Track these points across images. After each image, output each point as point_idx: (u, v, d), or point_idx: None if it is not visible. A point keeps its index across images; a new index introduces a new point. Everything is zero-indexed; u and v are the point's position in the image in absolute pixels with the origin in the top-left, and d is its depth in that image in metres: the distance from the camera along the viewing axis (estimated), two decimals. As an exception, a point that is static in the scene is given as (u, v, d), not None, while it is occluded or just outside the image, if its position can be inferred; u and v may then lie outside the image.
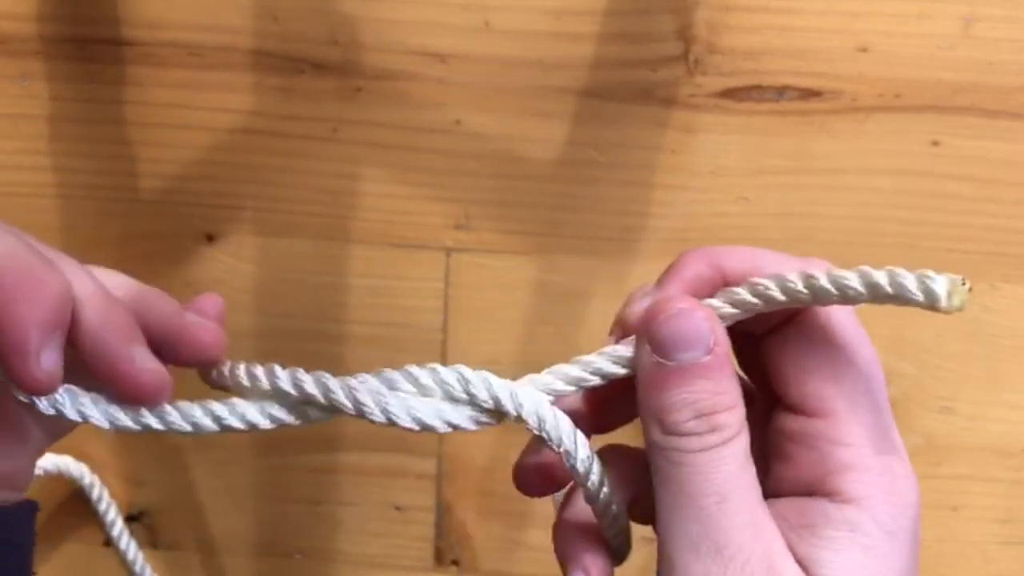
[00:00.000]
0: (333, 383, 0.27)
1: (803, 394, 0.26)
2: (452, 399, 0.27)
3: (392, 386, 0.27)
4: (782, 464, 0.26)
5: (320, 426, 0.47)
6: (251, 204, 0.46)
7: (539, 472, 0.29)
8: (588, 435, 0.27)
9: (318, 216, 0.46)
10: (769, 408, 0.27)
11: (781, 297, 0.25)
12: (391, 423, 0.27)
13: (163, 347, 0.28)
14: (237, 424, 0.27)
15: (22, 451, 0.29)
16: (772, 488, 0.26)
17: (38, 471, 0.45)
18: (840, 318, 0.27)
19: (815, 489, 0.25)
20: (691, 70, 0.44)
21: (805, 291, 0.25)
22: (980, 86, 0.43)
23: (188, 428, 0.27)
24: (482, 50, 0.44)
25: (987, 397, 0.46)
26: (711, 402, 0.25)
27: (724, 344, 0.25)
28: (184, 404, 0.27)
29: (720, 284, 0.27)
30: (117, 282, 0.28)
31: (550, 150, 0.45)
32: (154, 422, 0.27)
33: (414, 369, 0.28)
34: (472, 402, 0.27)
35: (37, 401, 0.25)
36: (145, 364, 0.26)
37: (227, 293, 0.46)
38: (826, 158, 0.44)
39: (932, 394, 0.46)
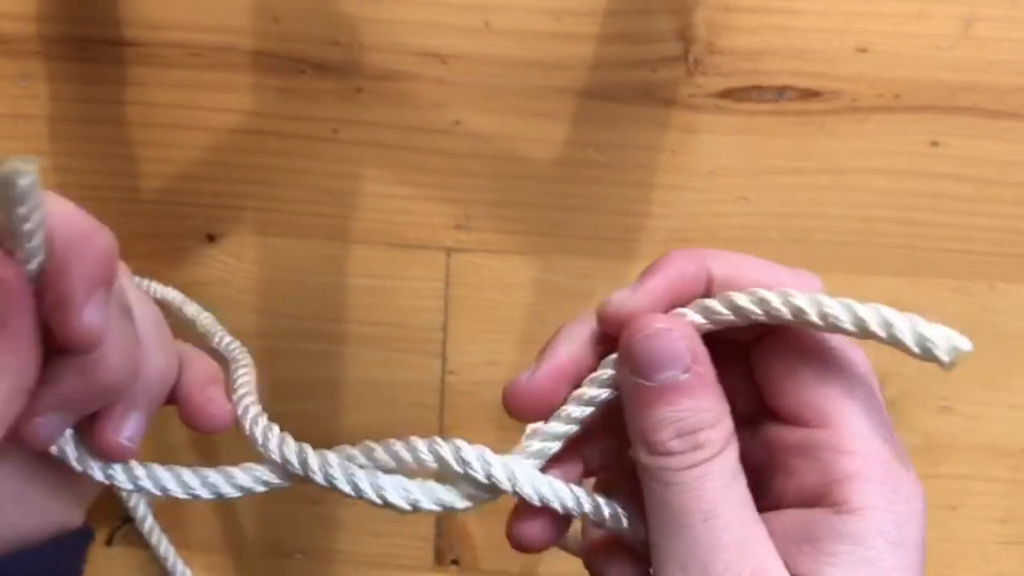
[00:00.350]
0: (333, 461, 0.28)
1: (799, 405, 0.26)
2: (447, 473, 0.27)
3: (390, 459, 0.28)
4: (782, 476, 0.26)
5: (318, 426, 0.47)
6: (252, 204, 0.46)
7: (537, 531, 0.28)
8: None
9: (319, 216, 0.46)
10: (758, 418, 0.27)
11: (758, 312, 0.25)
12: (386, 505, 0.27)
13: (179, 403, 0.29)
14: (232, 492, 0.28)
15: (73, 495, 0.30)
16: (773, 501, 0.26)
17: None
18: None
19: (818, 500, 0.25)
20: (691, 70, 0.44)
21: (784, 311, 0.25)
22: (980, 86, 0.43)
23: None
24: (482, 50, 0.44)
25: (987, 397, 0.46)
26: (693, 420, 0.25)
27: (704, 360, 0.25)
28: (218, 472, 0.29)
29: (703, 285, 0.27)
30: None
31: (550, 150, 0.45)
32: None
33: (415, 442, 0.28)
34: (467, 478, 0.27)
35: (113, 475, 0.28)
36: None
37: (228, 293, 0.46)
38: (826, 158, 0.44)
39: (931, 394, 0.46)
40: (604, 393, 0.27)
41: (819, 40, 0.43)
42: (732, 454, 0.25)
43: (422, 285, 0.46)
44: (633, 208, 0.45)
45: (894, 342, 0.24)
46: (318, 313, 0.46)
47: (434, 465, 0.27)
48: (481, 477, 0.27)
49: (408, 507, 0.27)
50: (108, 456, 0.27)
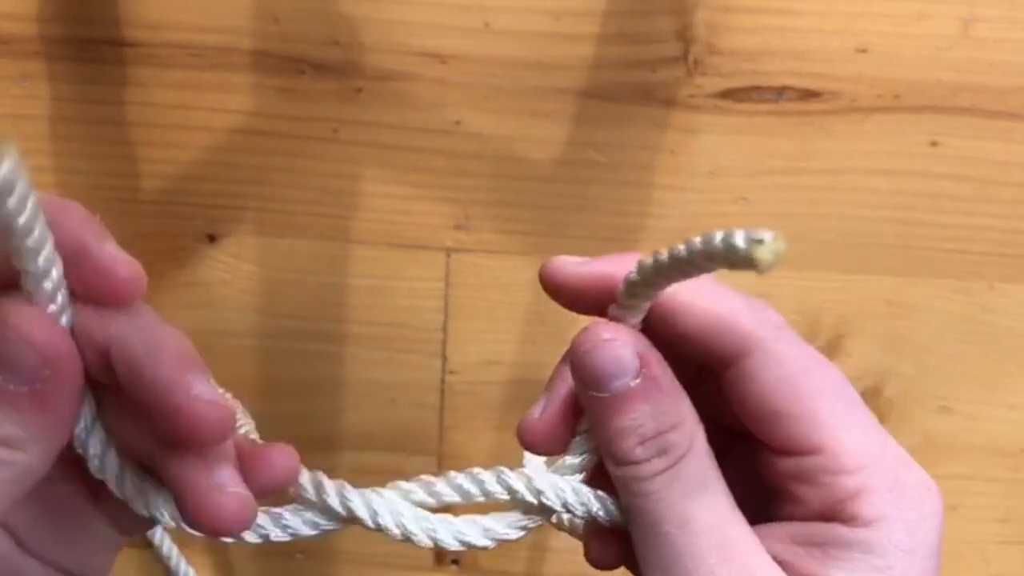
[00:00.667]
0: (380, 507, 0.26)
1: (784, 438, 0.25)
2: (488, 499, 0.27)
3: (429, 495, 0.27)
4: (787, 503, 0.25)
5: (318, 426, 0.47)
6: (252, 204, 0.46)
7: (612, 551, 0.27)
8: None
9: (319, 216, 0.46)
10: (753, 442, 0.26)
11: (637, 278, 0.24)
12: (437, 546, 0.26)
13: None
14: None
15: (89, 545, 0.27)
16: (783, 520, 0.26)
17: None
18: (783, 348, 0.25)
19: (830, 518, 0.25)
20: (691, 71, 0.44)
21: (650, 265, 0.24)
22: (979, 87, 0.43)
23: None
24: (482, 50, 0.44)
25: (986, 397, 0.46)
26: (653, 425, 0.24)
27: (655, 362, 0.25)
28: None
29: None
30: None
31: (550, 150, 0.45)
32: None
33: (455, 476, 0.27)
34: (517, 504, 0.26)
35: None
36: (204, 394, 0.22)
37: (228, 293, 0.46)
38: (825, 158, 0.44)
39: (931, 394, 0.46)
40: None
41: (819, 40, 0.43)
42: (700, 453, 0.25)
43: (422, 285, 0.46)
44: (633, 208, 0.45)
45: (712, 253, 0.22)
46: (318, 313, 0.47)
47: (505, 497, 0.26)
48: (529, 496, 0.26)
49: (460, 547, 0.26)
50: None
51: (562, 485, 0.26)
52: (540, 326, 0.46)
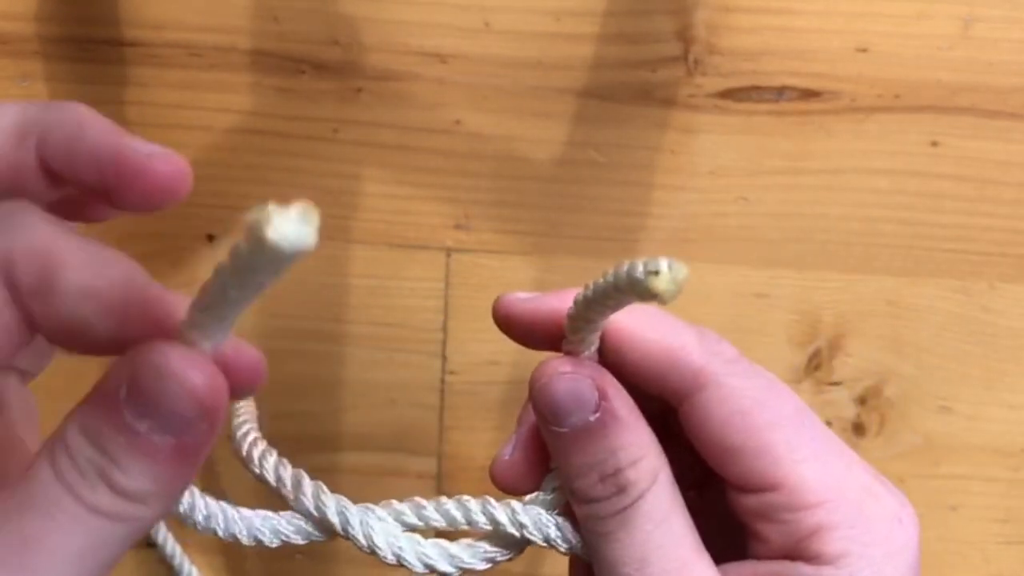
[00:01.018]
0: (354, 517, 0.25)
1: (742, 474, 0.24)
2: (470, 526, 0.26)
3: (414, 515, 0.26)
4: (753, 541, 0.25)
5: (318, 426, 0.47)
6: (251, 204, 0.46)
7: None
8: None
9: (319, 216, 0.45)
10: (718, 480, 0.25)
11: (574, 312, 0.24)
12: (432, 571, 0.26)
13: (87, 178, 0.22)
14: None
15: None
16: (749, 558, 0.25)
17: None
18: (735, 382, 0.25)
19: (794, 556, 0.24)
20: (691, 71, 0.44)
21: (581, 299, 0.23)
22: (979, 86, 0.43)
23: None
24: (482, 50, 0.44)
25: (986, 397, 0.46)
26: (612, 461, 0.24)
27: (616, 395, 0.24)
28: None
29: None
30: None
31: (550, 150, 0.45)
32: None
33: (444, 502, 0.26)
34: (496, 533, 0.26)
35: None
36: (151, 148, 0.21)
37: (227, 293, 0.46)
38: (825, 158, 0.44)
39: (931, 394, 0.46)
40: None
41: (819, 40, 0.43)
42: (663, 489, 0.24)
43: (422, 285, 0.46)
44: (633, 208, 0.45)
45: (621, 285, 0.22)
46: (318, 313, 0.46)
47: (487, 527, 0.26)
48: (511, 527, 0.26)
49: (455, 570, 0.26)
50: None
51: (545, 519, 0.26)
52: (540, 326, 0.46)
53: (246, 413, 0.28)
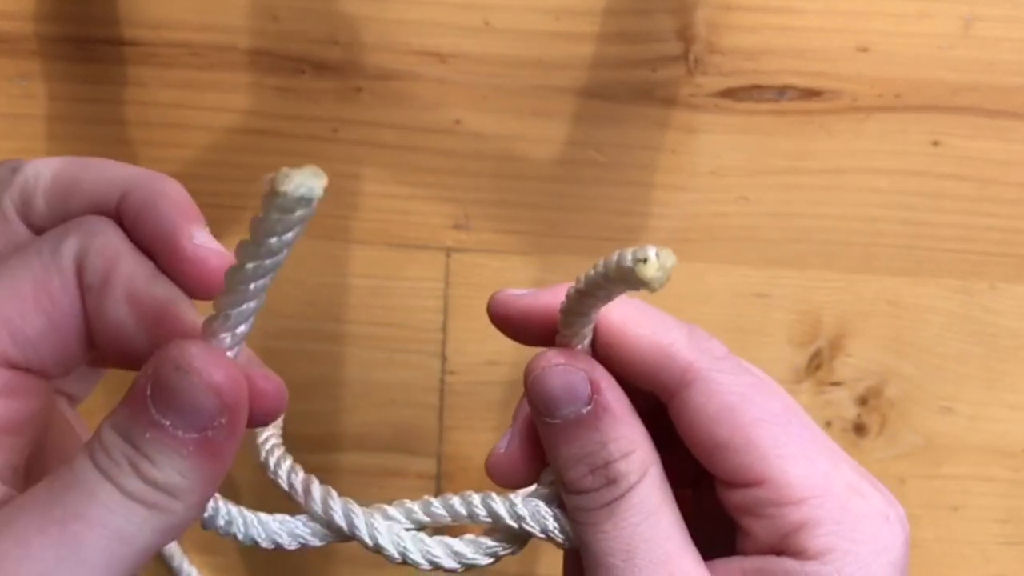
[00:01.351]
0: (359, 519, 0.26)
1: (729, 469, 0.24)
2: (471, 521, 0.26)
3: (422, 510, 0.27)
4: (739, 536, 0.25)
5: (318, 426, 0.47)
6: (251, 204, 0.46)
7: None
8: None
9: (318, 216, 0.45)
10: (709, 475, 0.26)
11: (567, 305, 0.24)
12: (404, 561, 0.26)
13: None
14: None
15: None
16: (737, 554, 0.25)
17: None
18: (723, 378, 0.25)
19: (779, 551, 0.24)
20: (691, 70, 0.44)
21: (574, 291, 0.23)
22: (980, 86, 0.43)
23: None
24: (482, 50, 0.44)
25: (987, 397, 0.46)
26: (603, 453, 0.24)
27: (609, 388, 0.24)
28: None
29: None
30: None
31: (550, 150, 0.45)
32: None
33: (450, 498, 0.27)
34: (496, 527, 0.26)
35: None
36: (207, 243, 0.23)
37: (227, 293, 0.46)
38: (826, 158, 0.44)
39: (932, 394, 0.46)
40: None
41: (819, 39, 0.43)
42: (652, 482, 0.24)
43: (422, 285, 0.46)
44: (633, 208, 0.45)
45: (610, 275, 0.22)
46: (318, 313, 0.46)
47: (488, 521, 0.26)
48: (510, 519, 0.26)
49: (460, 566, 0.26)
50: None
51: (543, 512, 0.26)
52: (540, 326, 0.46)
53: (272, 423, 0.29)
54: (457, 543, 0.26)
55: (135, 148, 0.45)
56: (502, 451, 0.26)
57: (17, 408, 0.22)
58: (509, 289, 0.27)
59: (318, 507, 0.26)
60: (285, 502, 0.28)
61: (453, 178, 0.45)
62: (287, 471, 0.27)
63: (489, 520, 0.26)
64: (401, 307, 0.46)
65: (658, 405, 0.26)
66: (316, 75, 0.44)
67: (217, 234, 0.47)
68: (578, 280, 0.23)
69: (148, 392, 0.20)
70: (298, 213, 0.19)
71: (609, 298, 0.23)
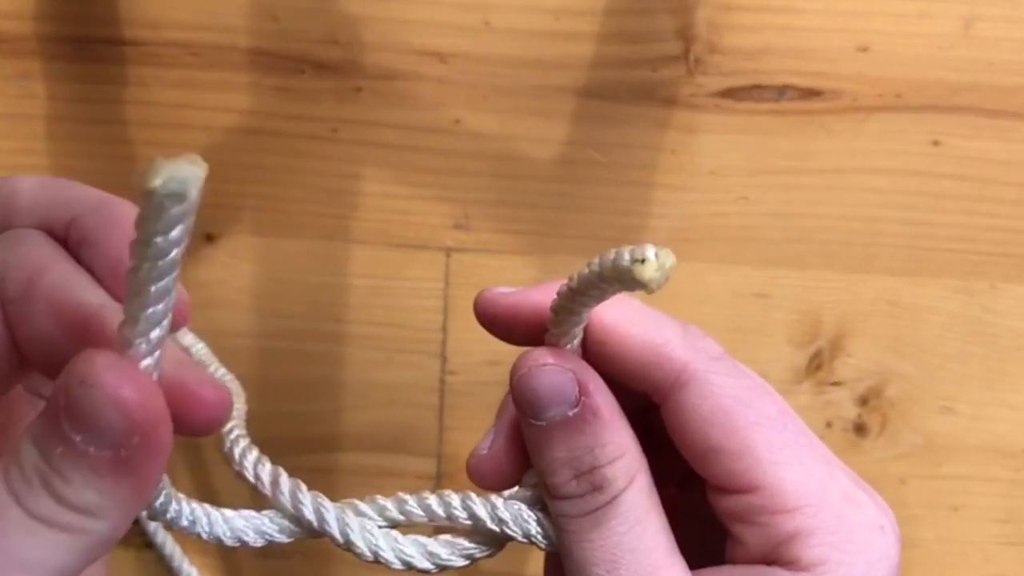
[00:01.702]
0: (330, 514, 0.25)
1: (722, 474, 0.23)
2: (450, 522, 0.26)
3: (397, 509, 0.26)
4: (730, 543, 0.24)
5: (318, 426, 0.47)
6: (251, 204, 0.46)
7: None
8: None
9: (318, 216, 0.45)
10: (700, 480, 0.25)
11: (558, 303, 0.23)
12: (376, 560, 0.25)
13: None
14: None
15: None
16: (727, 562, 0.24)
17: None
18: (719, 380, 0.24)
19: (771, 560, 0.23)
20: (691, 70, 0.43)
21: (566, 290, 0.23)
22: (981, 86, 0.43)
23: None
24: (482, 49, 0.44)
25: (987, 397, 0.46)
26: (589, 457, 0.23)
27: (597, 391, 0.23)
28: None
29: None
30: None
31: (550, 150, 0.45)
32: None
33: (425, 496, 0.26)
34: (476, 529, 0.25)
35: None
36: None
37: (227, 293, 0.46)
38: (826, 158, 0.44)
39: (932, 394, 0.46)
40: None
41: (820, 39, 0.43)
42: (640, 489, 0.23)
43: (422, 285, 0.46)
44: (633, 208, 0.45)
45: (606, 274, 0.21)
46: (318, 313, 0.46)
47: (468, 523, 0.25)
48: (490, 522, 0.25)
49: (434, 567, 0.25)
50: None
51: (525, 515, 0.25)
52: (540, 326, 0.46)
53: (234, 411, 0.28)
54: (432, 543, 0.25)
55: (135, 148, 0.45)
56: (484, 451, 0.26)
57: None
58: (496, 288, 0.26)
59: (286, 501, 0.25)
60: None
61: (453, 178, 0.45)
62: (253, 463, 0.26)
63: (469, 522, 0.25)
64: (401, 307, 0.46)
65: (644, 406, 0.25)
66: (316, 75, 0.44)
67: (216, 234, 0.47)
68: (571, 279, 0.22)
69: (62, 404, 0.19)
70: (174, 210, 0.16)
71: (603, 298, 0.22)
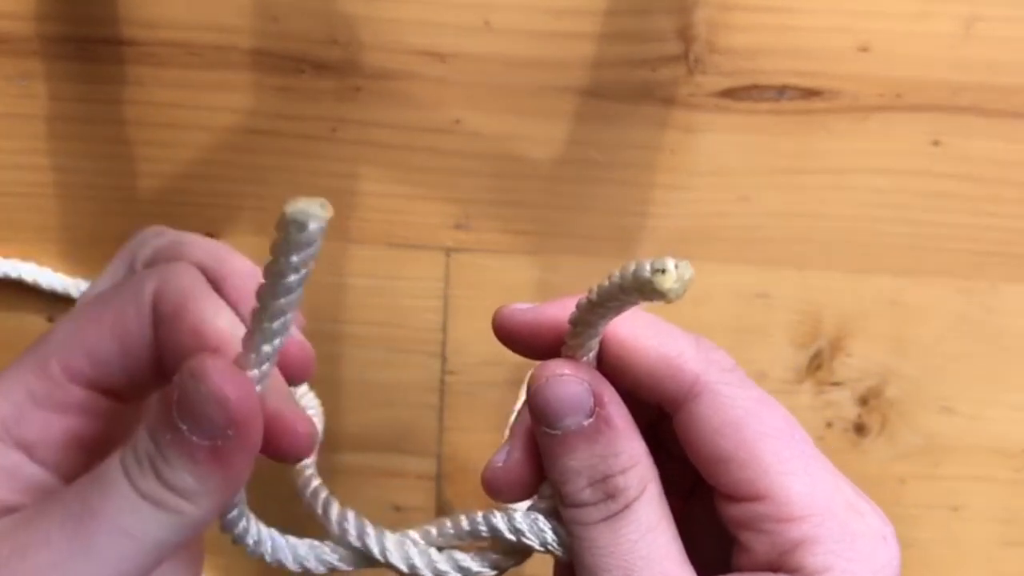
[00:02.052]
0: (391, 542, 0.27)
1: (731, 483, 0.24)
2: (469, 538, 0.27)
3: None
4: (737, 551, 0.25)
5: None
6: (250, 204, 0.46)
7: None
8: None
9: (318, 216, 0.45)
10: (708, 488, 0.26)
11: (578, 316, 0.24)
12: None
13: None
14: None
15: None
16: (734, 570, 0.25)
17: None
18: (730, 391, 0.25)
19: (777, 568, 0.24)
20: (691, 69, 0.43)
21: (586, 302, 0.24)
22: (981, 86, 0.43)
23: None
24: (482, 50, 0.44)
25: (988, 397, 0.46)
26: (603, 467, 0.24)
27: (611, 402, 0.24)
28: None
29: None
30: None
31: (550, 150, 0.45)
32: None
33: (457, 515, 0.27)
34: (497, 541, 0.26)
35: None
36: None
37: (226, 293, 0.46)
38: (826, 158, 0.44)
39: (932, 394, 0.46)
40: None
41: (820, 39, 0.43)
42: (652, 499, 0.24)
43: (422, 285, 0.46)
44: (633, 208, 0.45)
45: (627, 286, 0.22)
46: (318, 313, 0.46)
47: (487, 535, 0.27)
48: (509, 534, 0.26)
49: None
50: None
51: (541, 525, 0.26)
52: (540, 326, 0.46)
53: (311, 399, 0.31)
54: (462, 557, 0.26)
55: (135, 148, 0.45)
56: (500, 465, 0.26)
57: (85, 426, 0.24)
58: (514, 304, 0.27)
59: (334, 526, 0.27)
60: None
61: (453, 178, 0.45)
62: (311, 489, 0.29)
63: (489, 535, 0.26)
64: (401, 307, 0.46)
65: (653, 418, 0.26)
66: (316, 75, 0.44)
67: (217, 234, 0.47)
68: (591, 291, 0.23)
69: (175, 397, 0.22)
70: (296, 237, 0.20)
71: (622, 309, 0.23)
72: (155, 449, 0.22)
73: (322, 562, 0.27)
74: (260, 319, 0.22)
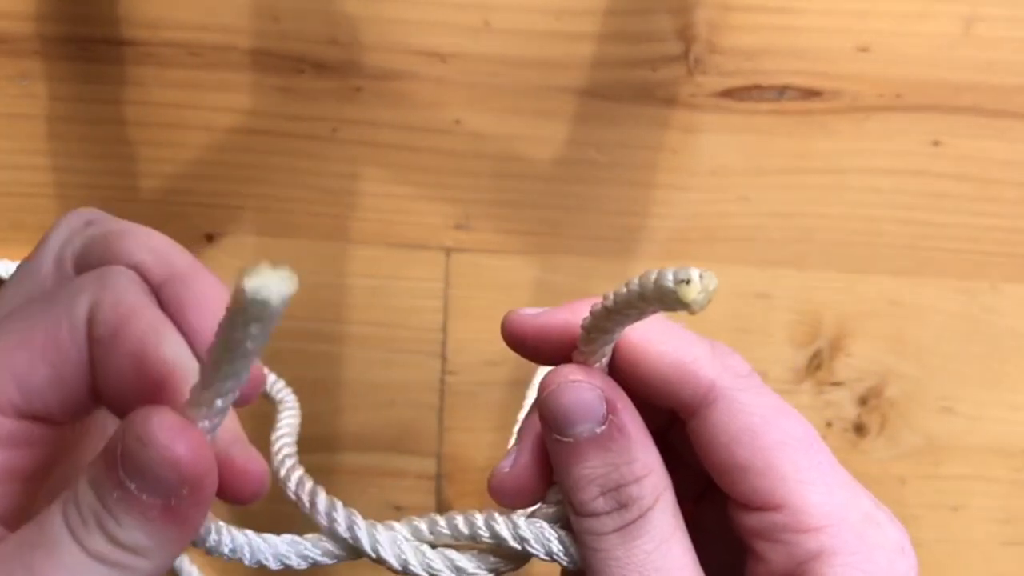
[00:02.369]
0: (384, 538, 0.26)
1: (747, 492, 0.24)
2: (470, 541, 0.26)
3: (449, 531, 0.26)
4: (751, 560, 0.24)
5: (318, 426, 0.47)
6: (251, 204, 0.46)
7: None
8: None
9: (318, 216, 0.45)
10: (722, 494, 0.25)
11: (591, 322, 0.24)
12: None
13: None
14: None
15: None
16: None
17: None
18: (746, 398, 0.24)
19: None
20: (691, 70, 0.43)
21: (601, 309, 0.23)
22: (981, 86, 0.43)
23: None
24: (482, 50, 0.44)
25: (988, 397, 0.46)
26: (616, 475, 0.23)
27: (624, 409, 0.24)
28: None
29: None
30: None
31: (550, 150, 0.45)
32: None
33: (453, 516, 0.26)
34: (499, 547, 0.26)
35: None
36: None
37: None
38: (827, 158, 0.44)
39: (933, 394, 0.46)
40: None
41: (820, 39, 0.43)
42: (665, 508, 0.23)
43: (422, 285, 0.46)
44: (633, 208, 0.45)
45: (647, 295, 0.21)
46: (318, 313, 0.46)
47: (490, 541, 0.26)
48: (513, 540, 0.25)
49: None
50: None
51: (547, 533, 0.25)
52: (540, 326, 0.46)
53: (287, 426, 0.29)
54: (458, 557, 0.26)
55: (135, 148, 0.45)
56: (507, 470, 0.26)
57: (19, 457, 0.23)
58: (522, 308, 0.26)
59: (323, 518, 0.26)
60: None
61: (453, 178, 0.45)
62: (296, 482, 0.27)
63: (492, 541, 0.26)
64: (401, 307, 0.46)
65: (662, 425, 0.25)
66: (316, 75, 0.44)
67: (216, 234, 0.47)
68: (606, 297, 0.23)
69: (119, 453, 0.20)
70: (255, 312, 0.18)
71: (640, 318, 0.23)
72: (101, 506, 0.20)
73: (304, 558, 0.26)
74: (214, 378, 0.20)
